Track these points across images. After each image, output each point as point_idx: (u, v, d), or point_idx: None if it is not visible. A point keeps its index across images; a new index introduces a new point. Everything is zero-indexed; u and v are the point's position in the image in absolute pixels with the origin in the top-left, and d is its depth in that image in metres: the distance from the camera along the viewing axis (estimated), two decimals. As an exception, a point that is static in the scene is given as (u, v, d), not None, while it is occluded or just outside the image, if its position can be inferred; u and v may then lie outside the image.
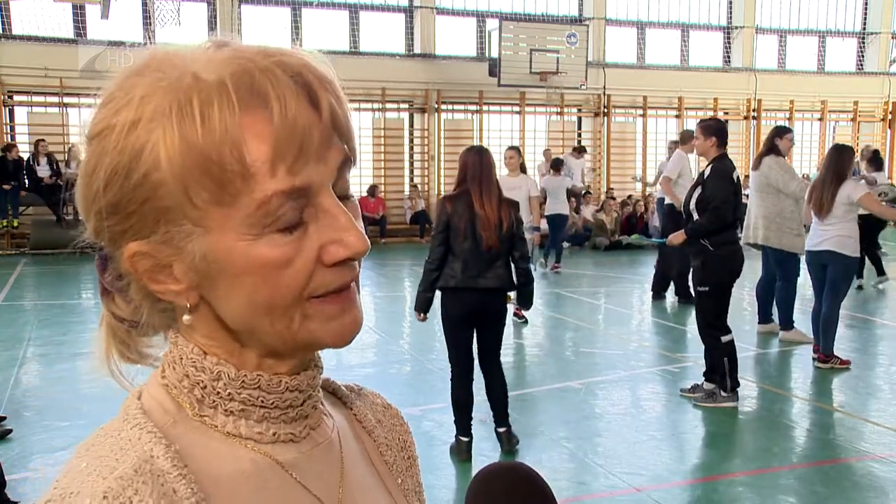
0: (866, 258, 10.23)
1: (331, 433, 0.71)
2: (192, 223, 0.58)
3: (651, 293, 9.69)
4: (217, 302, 0.62)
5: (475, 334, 4.35)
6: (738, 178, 5.29)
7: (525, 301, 4.45)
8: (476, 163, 4.19)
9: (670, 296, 9.56)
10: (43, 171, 13.10)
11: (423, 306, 4.34)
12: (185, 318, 0.63)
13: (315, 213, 0.60)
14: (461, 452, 4.33)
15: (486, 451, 4.49)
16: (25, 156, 13.33)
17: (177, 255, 0.60)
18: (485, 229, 4.11)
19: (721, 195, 5.14)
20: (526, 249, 4.42)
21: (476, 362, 4.41)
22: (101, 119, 0.60)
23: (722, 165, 5.26)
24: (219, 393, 0.64)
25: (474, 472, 4.39)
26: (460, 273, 4.17)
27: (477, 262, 4.16)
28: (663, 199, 10.11)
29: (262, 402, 0.64)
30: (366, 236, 0.62)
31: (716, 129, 5.36)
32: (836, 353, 6.29)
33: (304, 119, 0.58)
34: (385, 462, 0.78)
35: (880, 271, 10.22)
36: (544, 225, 12.34)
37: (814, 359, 6.41)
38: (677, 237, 5.51)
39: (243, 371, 0.64)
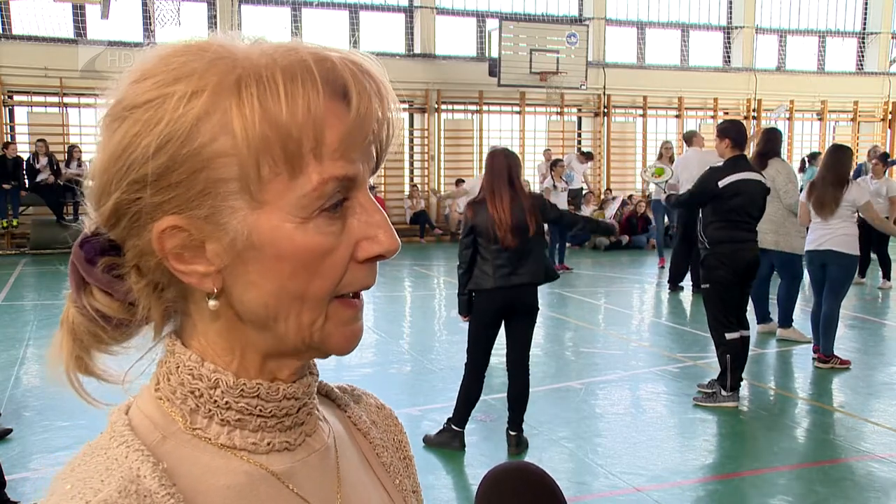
0: (873, 257, 10.25)
1: (327, 439, 0.70)
2: (249, 195, 0.57)
3: (668, 285, 9.92)
4: (243, 288, 0.60)
5: (505, 330, 4.43)
6: (736, 181, 5.23)
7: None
8: (488, 165, 4.35)
9: (687, 290, 9.68)
10: (43, 170, 13.10)
11: (464, 309, 4.43)
12: (212, 303, 0.61)
13: (353, 208, 0.61)
14: (454, 441, 4.41)
15: (487, 452, 4.49)
16: (25, 156, 13.33)
17: (215, 233, 0.59)
18: (499, 229, 4.20)
19: (697, 186, 5.50)
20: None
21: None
22: (145, 90, 0.58)
23: (715, 171, 5.31)
24: (215, 402, 0.62)
25: (468, 468, 4.42)
26: (492, 273, 4.26)
27: (508, 262, 4.26)
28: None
29: (261, 410, 0.63)
30: (397, 237, 0.63)
31: (727, 130, 5.41)
32: (836, 353, 6.30)
33: (373, 115, 0.60)
34: (382, 464, 0.77)
35: (887, 275, 10.22)
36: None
37: (814, 359, 6.42)
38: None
39: (242, 379, 0.63)
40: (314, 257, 0.59)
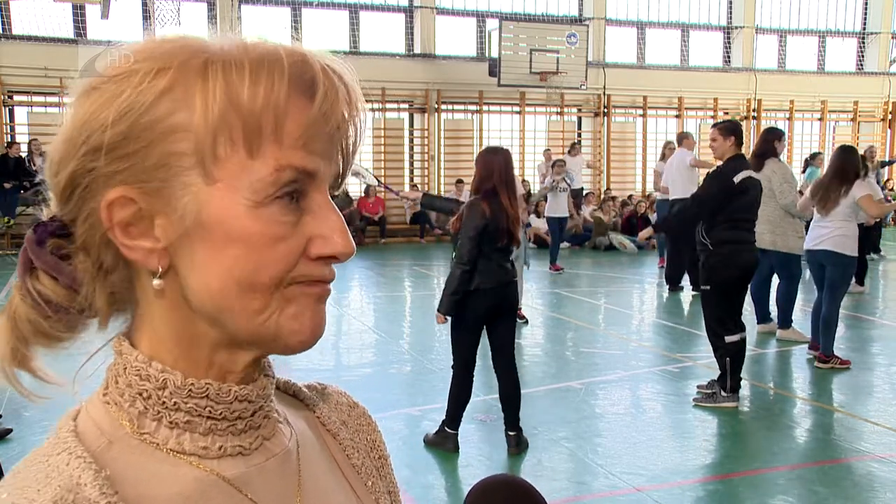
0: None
1: (288, 442, 0.68)
2: (203, 171, 0.57)
3: (668, 287, 9.92)
4: (189, 270, 0.59)
5: (488, 333, 4.43)
6: (746, 177, 5.23)
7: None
8: (501, 163, 4.31)
9: (686, 289, 9.69)
10: (40, 171, 13.08)
11: (453, 309, 4.31)
12: (156, 282, 0.59)
13: (311, 207, 0.60)
14: (447, 443, 4.39)
15: (486, 452, 4.49)
16: (24, 155, 13.35)
17: (164, 208, 0.58)
18: (514, 227, 4.25)
19: (703, 194, 5.30)
20: None
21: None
22: (115, 69, 0.59)
23: (727, 167, 5.26)
24: (164, 403, 0.61)
25: (468, 468, 4.41)
26: (493, 273, 4.26)
27: (503, 262, 4.31)
28: (666, 199, 10.33)
29: (210, 412, 0.62)
30: (352, 241, 0.62)
31: (733, 129, 5.42)
32: (835, 353, 6.30)
33: (337, 114, 0.60)
34: (352, 465, 0.75)
35: (861, 280, 10.18)
36: (542, 224, 12.45)
37: (811, 357, 6.43)
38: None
39: (190, 379, 0.61)
40: (263, 243, 0.58)
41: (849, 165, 6.26)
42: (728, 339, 5.25)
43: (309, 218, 0.60)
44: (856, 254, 6.28)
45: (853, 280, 9.56)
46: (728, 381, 5.24)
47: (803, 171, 12.84)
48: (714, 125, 5.60)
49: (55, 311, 0.62)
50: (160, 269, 0.59)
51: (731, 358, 5.24)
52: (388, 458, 0.82)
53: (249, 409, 0.64)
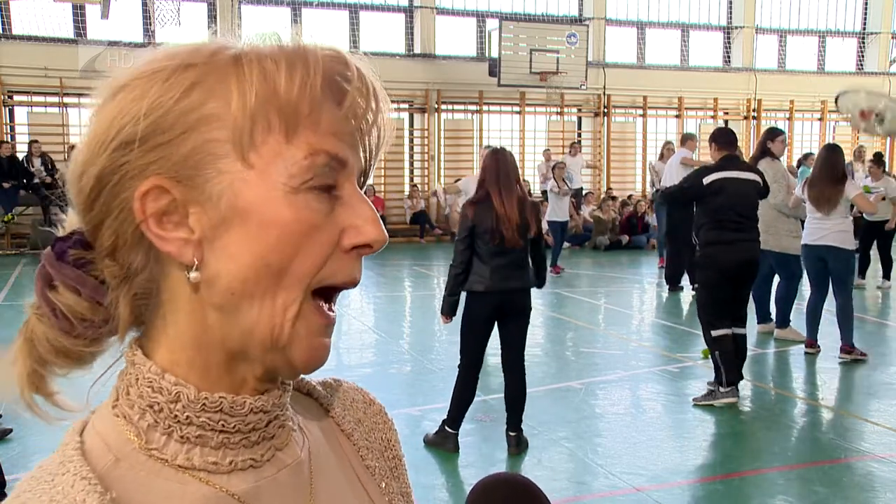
0: (877, 259, 10.30)
1: (300, 452, 0.67)
2: (241, 158, 0.57)
3: (668, 287, 9.94)
4: (222, 261, 0.58)
5: (499, 333, 4.41)
6: (719, 178, 5.25)
7: (537, 273, 4.55)
8: (493, 164, 4.26)
9: (686, 288, 9.70)
10: (38, 173, 13.06)
11: (451, 310, 4.38)
12: (193, 275, 0.58)
13: (342, 198, 0.61)
14: (448, 443, 4.39)
15: (486, 452, 4.49)
16: (23, 156, 13.33)
17: (199, 197, 0.57)
18: (506, 229, 4.17)
19: (683, 182, 5.73)
20: (540, 234, 4.48)
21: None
22: (144, 67, 0.59)
23: (705, 167, 5.54)
24: (175, 416, 0.59)
25: (469, 468, 4.40)
26: (489, 277, 4.22)
27: (506, 264, 4.23)
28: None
29: (223, 426, 0.60)
30: (385, 230, 0.63)
31: (712, 135, 5.66)
32: (835, 353, 6.35)
33: (363, 113, 0.62)
34: (367, 467, 0.74)
35: (887, 274, 10.25)
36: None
37: (807, 351, 6.54)
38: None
39: (204, 393, 0.60)
40: (299, 230, 0.58)
41: (839, 165, 6.42)
42: (714, 333, 5.29)
43: (341, 209, 0.60)
44: (853, 247, 6.48)
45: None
46: (722, 375, 5.25)
47: (795, 172, 12.88)
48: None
49: (81, 323, 0.61)
50: (195, 262, 0.58)
51: (720, 351, 5.27)
52: (403, 457, 0.80)
53: (264, 420, 0.63)
